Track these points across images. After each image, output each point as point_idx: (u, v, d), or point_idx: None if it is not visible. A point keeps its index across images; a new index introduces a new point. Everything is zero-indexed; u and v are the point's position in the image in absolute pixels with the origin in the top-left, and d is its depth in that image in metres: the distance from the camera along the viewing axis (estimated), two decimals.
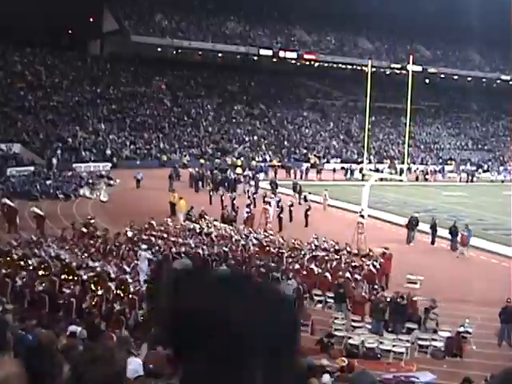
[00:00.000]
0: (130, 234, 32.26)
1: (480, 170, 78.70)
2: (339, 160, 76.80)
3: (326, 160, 76.01)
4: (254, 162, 67.21)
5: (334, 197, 49.17)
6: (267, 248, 30.72)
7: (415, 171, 72.14)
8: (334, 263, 28.07)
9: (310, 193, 47.06)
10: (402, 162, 60.47)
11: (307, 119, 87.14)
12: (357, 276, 26.33)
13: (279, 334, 1.58)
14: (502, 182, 70.86)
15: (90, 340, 12.13)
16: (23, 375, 3.07)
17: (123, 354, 3.22)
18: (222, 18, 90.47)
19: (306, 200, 45.05)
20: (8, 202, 37.79)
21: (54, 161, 58.34)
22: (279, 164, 69.17)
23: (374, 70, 54.28)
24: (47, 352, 4.46)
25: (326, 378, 11.37)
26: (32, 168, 54.91)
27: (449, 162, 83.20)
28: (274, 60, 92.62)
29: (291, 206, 42.63)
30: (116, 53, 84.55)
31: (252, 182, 53.94)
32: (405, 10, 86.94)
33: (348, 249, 31.54)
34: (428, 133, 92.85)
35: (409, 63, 53.60)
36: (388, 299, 22.82)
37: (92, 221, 35.13)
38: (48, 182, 49.66)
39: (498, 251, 35.70)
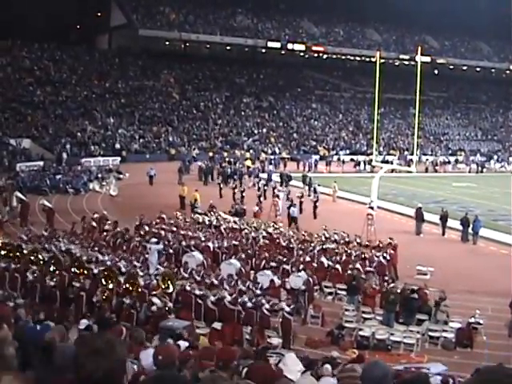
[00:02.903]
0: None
1: (493, 160, 78.51)
2: (348, 151, 76.77)
3: (335, 152, 75.92)
4: (263, 155, 67.17)
5: (344, 188, 49.18)
6: (277, 240, 30.72)
7: (425, 162, 71.98)
8: (344, 255, 28.04)
9: (319, 185, 47.07)
10: (412, 153, 60.37)
11: (316, 111, 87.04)
12: (368, 268, 26.34)
13: None
14: None
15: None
16: None
17: (124, 347, 3.23)
18: (229, 11, 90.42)
19: (315, 192, 45.08)
20: (20, 195, 37.93)
21: (64, 155, 58.51)
22: (289, 156, 69.19)
23: (382, 61, 54.02)
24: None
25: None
26: (41, 163, 55.07)
27: (458, 152, 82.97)
28: (282, 52, 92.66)
29: (301, 198, 42.61)
30: (124, 47, 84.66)
31: (261, 175, 53.97)
32: (413, 1, 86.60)
33: (358, 240, 31.46)
34: (437, 124, 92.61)
35: (417, 54, 53.41)
36: (398, 291, 22.80)
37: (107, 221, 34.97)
38: (58, 177, 49.77)
39: (508, 242, 35.56)
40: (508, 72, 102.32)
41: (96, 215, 35.09)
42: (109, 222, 33.61)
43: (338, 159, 68.77)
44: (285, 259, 26.60)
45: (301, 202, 42.20)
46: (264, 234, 32.22)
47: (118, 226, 32.37)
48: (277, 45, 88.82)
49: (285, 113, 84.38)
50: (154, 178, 51.76)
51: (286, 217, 39.58)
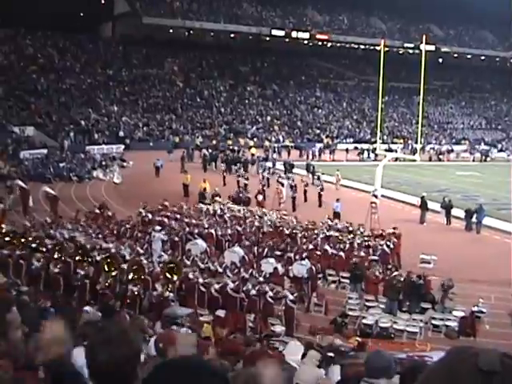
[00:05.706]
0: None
1: (496, 149, 78.35)
2: (352, 140, 76.66)
3: (338, 140, 75.82)
4: (267, 143, 67.01)
5: (347, 177, 49.12)
6: (281, 228, 30.70)
7: (428, 151, 71.85)
8: (348, 244, 28.03)
9: (323, 173, 47.02)
10: (416, 142, 60.28)
11: (320, 100, 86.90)
12: (371, 256, 26.34)
13: None
14: None
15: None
16: (68, 337, 3.11)
17: (139, 336, 3.21)
18: None
19: (319, 180, 45.07)
20: (20, 183, 37.86)
21: (66, 143, 58.39)
22: (292, 144, 69.01)
23: (386, 49, 53.90)
24: None
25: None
26: (45, 151, 55.01)
27: (462, 141, 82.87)
28: (287, 40, 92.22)
29: (306, 186, 42.61)
30: (128, 35, 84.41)
31: (265, 164, 53.87)
32: None
33: (361, 229, 31.43)
34: (441, 112, 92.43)
35: (422, 43, 53.22)
36: (402, 279, 22.80)
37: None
38: (61, 165, 49.79)
39: None
40: None
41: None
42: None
43: (347, 150, 67.83)
44: (288, 247, 26.61)
45: (305, 191, 42.25)
46: (267, 222, 32.27)
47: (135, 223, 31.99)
48: (281, 33, 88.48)
49: (289, 101, 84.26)
50: (161, 169, 51.35)
51: (291, 205, 39.80)
